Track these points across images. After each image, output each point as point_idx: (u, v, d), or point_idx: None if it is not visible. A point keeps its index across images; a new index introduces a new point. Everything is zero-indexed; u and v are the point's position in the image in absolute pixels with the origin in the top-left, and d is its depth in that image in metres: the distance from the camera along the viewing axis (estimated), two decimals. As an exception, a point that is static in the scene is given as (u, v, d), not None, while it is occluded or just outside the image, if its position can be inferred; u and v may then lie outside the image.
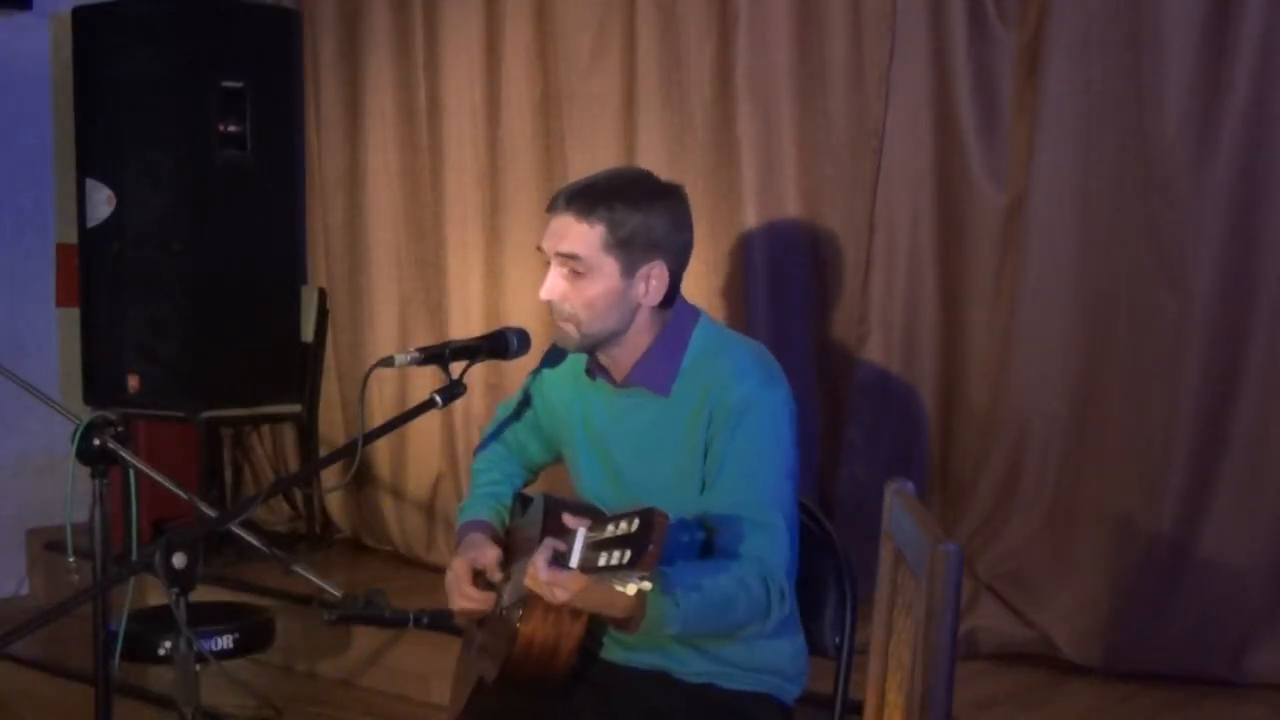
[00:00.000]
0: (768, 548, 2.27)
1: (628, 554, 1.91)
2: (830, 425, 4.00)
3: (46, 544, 5.36)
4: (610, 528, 1.97)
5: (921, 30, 3.79)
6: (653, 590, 2.03)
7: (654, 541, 1.89)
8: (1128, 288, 3.51)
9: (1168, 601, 3.44)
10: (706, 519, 2.32)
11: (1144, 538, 3.47)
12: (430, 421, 4.47)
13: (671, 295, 2.40)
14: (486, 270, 4.74)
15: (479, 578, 2.43)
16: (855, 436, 3.95)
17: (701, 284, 4.06)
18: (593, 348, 2.40)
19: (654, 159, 4.17)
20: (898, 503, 2.11)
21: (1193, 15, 3.38)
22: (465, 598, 2.41)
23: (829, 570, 2.50)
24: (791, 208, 4.02)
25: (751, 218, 4.05)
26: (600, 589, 2.02)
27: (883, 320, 3.90)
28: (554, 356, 2.56)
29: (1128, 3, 3.47)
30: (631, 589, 1.94)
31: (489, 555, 2.43)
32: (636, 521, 1.93)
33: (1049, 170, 3.59)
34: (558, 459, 2.64)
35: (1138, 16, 3.45)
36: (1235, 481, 3.39)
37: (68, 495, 2.73)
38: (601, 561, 1.95)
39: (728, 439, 2.31)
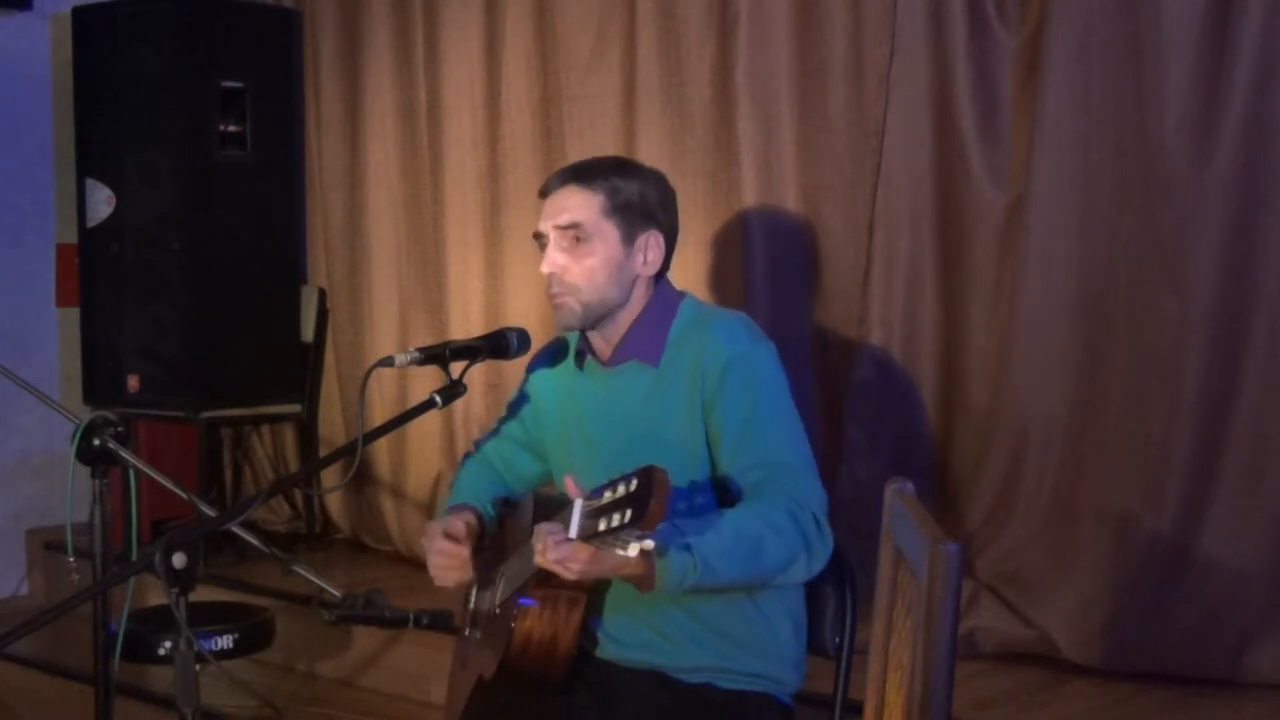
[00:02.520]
0: (791, 483, 2.26)
1: (628, 513, 1.89)
2: (830, 425, 4.00)
3: (46, 544, 5.36)
4: (608, 493, 1.96)
5: (921, 30, 3.79)
6: (659, 544, 2.02)
7: (655, 498, 1.87)
8: (1128, 288, 3.51)
9: (1168, 601, 3.44)
10: (726, 479, 2.32)
11: (1144, 538, 3.47)
12: (430, 421, 4.47)
13: (663, 270, 2.44)
14: (486, 270, 4.74)
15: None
16: (855, 436, 3.95)
17: (702, 283, 4.06)
18: (593, 323, 2.41)
19: (654, 159, 4.16)
20: (898, 503, 2.11)
21: (1192, 15, 3.38)
22: (439, 551, 2.43)
23: (829, 570, 2.50)
24: (791, 207, 4.02)
25: (751, 218, 4.05)
26: (607, 554, 2.02)
27: (883, 320, 3.90)
28: (545, 357, 2.57)
29: (1128, 3, 3.47)
30: (633, 550, 1.93)
31: (459, 522, 2.45)
32: (635, 482, 1.91)
33: (1049, 170, 3.59)
34: (548, 472, 2.63)
35: (1137, 16, 3.45)
36: (1235, 481, 3.39)
37: (68, 495, 2.73)
38: (601, 526, 1.93)
39: (727, 398, 2.32)
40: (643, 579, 2.12)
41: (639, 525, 1.88)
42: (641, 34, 4.26)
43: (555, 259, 2.39)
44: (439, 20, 4.81)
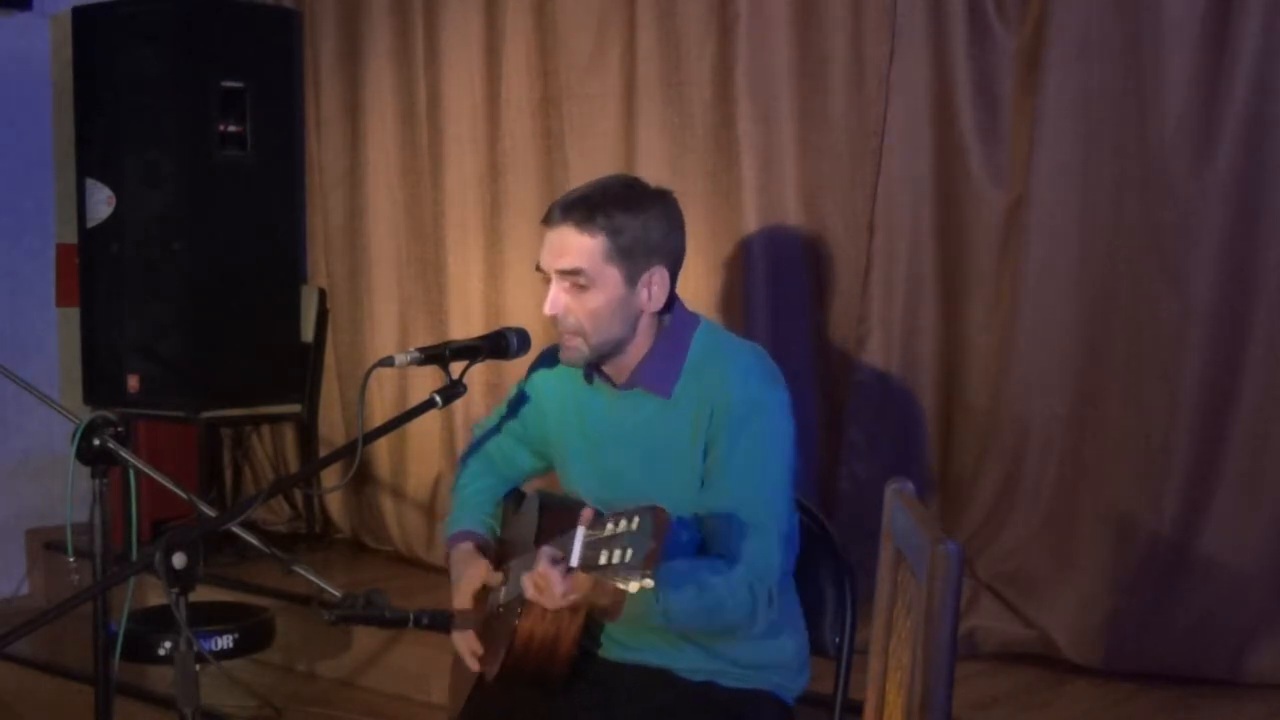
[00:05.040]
0: (760, 553, 2.28)
1: (629, 552, 1.92)
2: (830, 425, 4.00)
3: (46, 544, 5.36)
4: (610, 526, 1.98)
5: (921, 30, 3.79)
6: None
7: (655, 539, 1.90)
8: (1128, 288, 3.51)
9: (1168, 601, 3.44)
10: (703, 518, 2.33)
11: (1144, 538, 3.47)
12: (430, 421, 4.47)
13: (671, 299, 2.41)
14: (486, 270, 4.73)
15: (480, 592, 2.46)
16: (855, 436, 3.95)
17: (702, 285, 4.06)
18: (601, 359, 2.40)
19: (654, 159, 4.17)
20: (898, 503, 2.11)
21: (1192, 15, 3.38)
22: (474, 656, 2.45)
23: (829, 570, 2.50)
24: (791, 208, 4.02)
25: (751, 218, 4.05)
26: (603, 586, 2.03)
27: (883, 320, 3.90)
28: (548, 358, 2.56)
29: (1128, 3, 3.47)
30: (634, 586, 1.95)
31: (480, 573, 2.45)
32: (637, 520, 1.94)
33: (1049, 170, 3.59)
34: (548, 468, 2.63)
35: (1137, 16, 3.45)
36: (1235, 481, 3.39)
37: (68, 495, 2.73)
38: (602, 560, 1.96)
39: (731, 440, 2.31)
40: (610, 609, 2.18)
41: (640, 566, 1.90)
42: (641, 34, 4.26)
43: (558, 301, 2.35)
44: (439, 20, 4.81)
